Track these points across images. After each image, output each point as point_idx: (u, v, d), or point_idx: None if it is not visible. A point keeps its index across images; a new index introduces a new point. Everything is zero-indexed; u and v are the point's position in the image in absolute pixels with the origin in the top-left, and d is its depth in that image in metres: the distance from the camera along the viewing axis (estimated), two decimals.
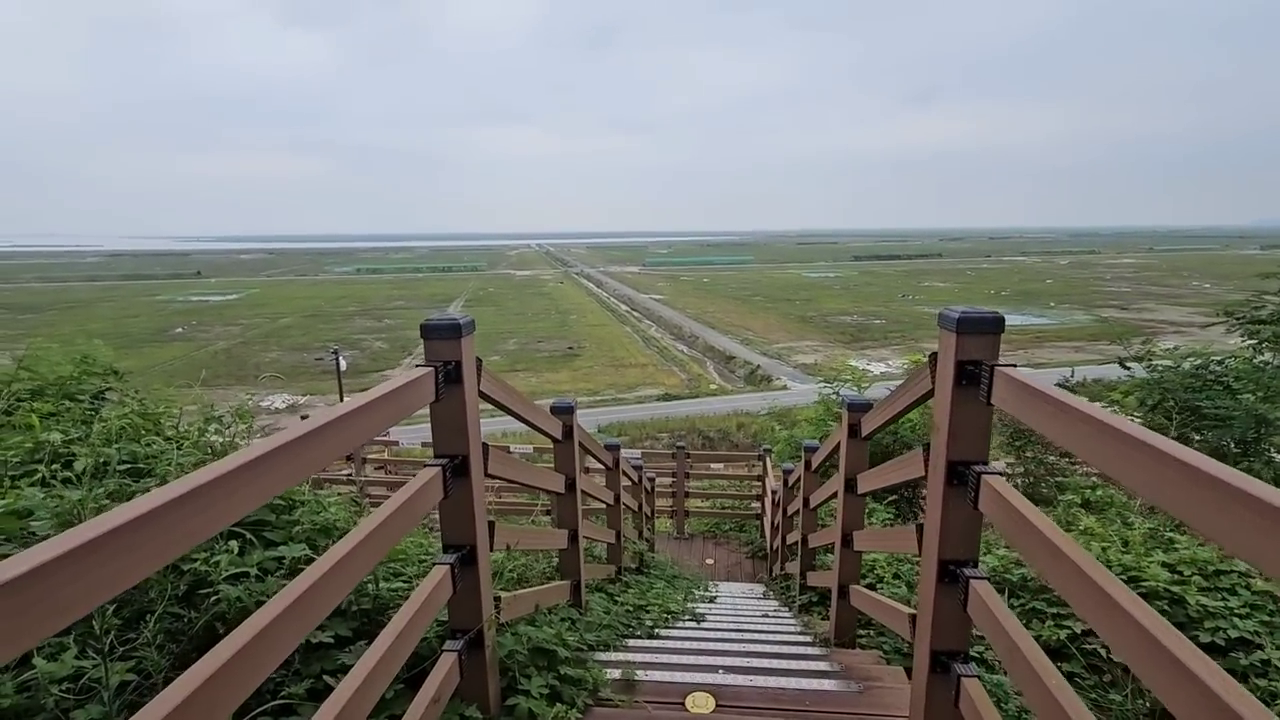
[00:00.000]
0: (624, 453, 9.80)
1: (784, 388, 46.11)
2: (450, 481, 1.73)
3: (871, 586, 3.50)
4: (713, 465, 11.52)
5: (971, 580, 1.56)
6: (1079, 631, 2.61)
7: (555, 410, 2.98)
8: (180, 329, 69.48)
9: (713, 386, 47.90)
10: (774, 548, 6.57)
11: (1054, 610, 2.76)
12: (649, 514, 6.72)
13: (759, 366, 51.79)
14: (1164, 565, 2.90)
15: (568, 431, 2.98)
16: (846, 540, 2.98)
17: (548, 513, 6.17)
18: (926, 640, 1.72)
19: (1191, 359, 6.31)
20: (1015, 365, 1.44)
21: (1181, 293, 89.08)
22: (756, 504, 8.65)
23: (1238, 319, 7.23)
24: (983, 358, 1.55)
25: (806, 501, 4.28)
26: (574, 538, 3.11)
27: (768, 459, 8.28)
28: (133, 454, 2.57)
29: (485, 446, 1.96)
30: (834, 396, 9.23)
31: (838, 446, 3.16)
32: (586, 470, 7.80)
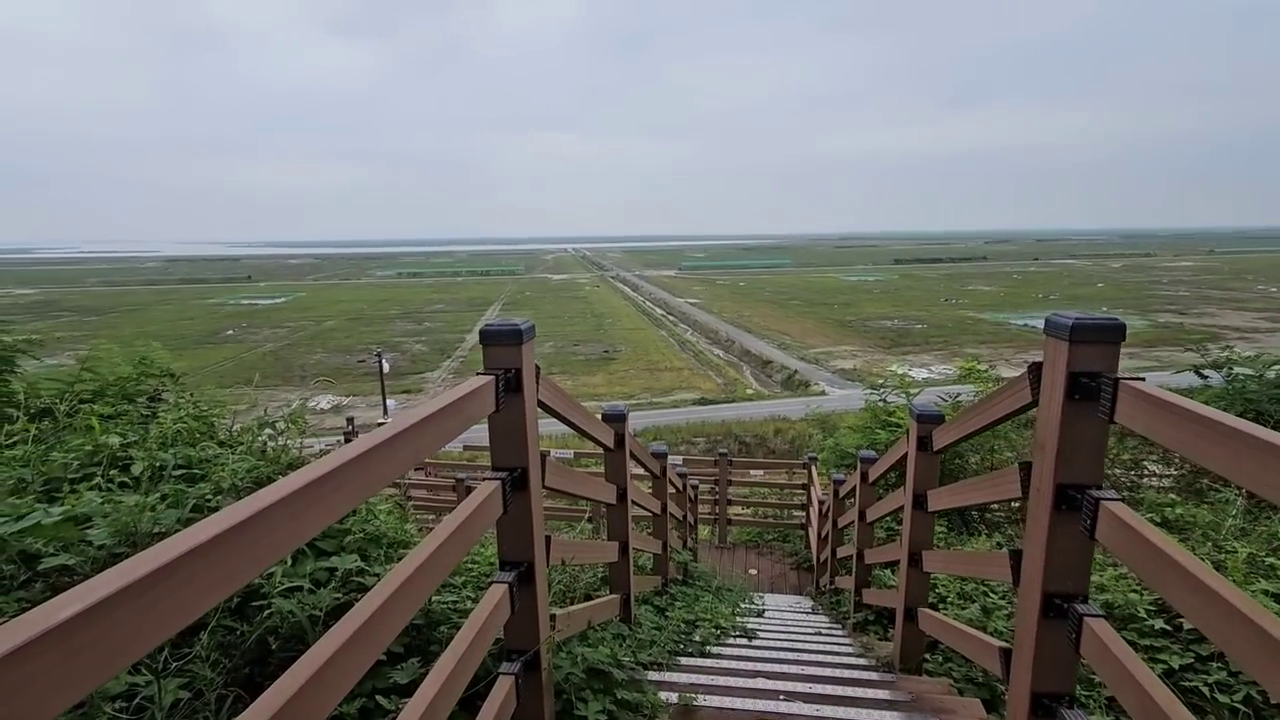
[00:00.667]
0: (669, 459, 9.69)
1: (822, 393, 45.36)
2: (510, 496, 1.64)
3: (933, 606, 3.31)
4: (753, 473, 11.31)
5: (1086, 618, 1.40)
6: (1177, 667, 2.40)
7: (608, 418, 2.88)
8: (231, 331, 71.93)
9: (749, 391, 47.40)
10: (821, 560, 6.37)
11: (1146, 642, 2.54)
12: (692, 523, 6.59)
13: (796, 371, 51.06)
14: (1269, 595, 2.65)
15: (619, 440, 2.88)
16: (914, 560, 2.80)
17: (590, 520, 6.08)
18: (1026, 680, 1.56)
19: (1278, 367, 5.88)
20: (1142, 378, 1.28)
21: (1245, 296, 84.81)
22: (800, 513, 8.43)
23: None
24: (1101, 369, 1.39)
25: (862, 515, 4.09)
26: (624, 550, 3.01)
27: (813, 468, 8.07)
28: (187, 458, 2.57)
29: (544, 457, 1.87)
30: (881, 404, 8.96)
31: (903, 459, 2.99)
32: (633, 478, 7.73)
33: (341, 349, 60.38)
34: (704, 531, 8.70)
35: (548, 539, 1.93)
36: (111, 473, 2.34)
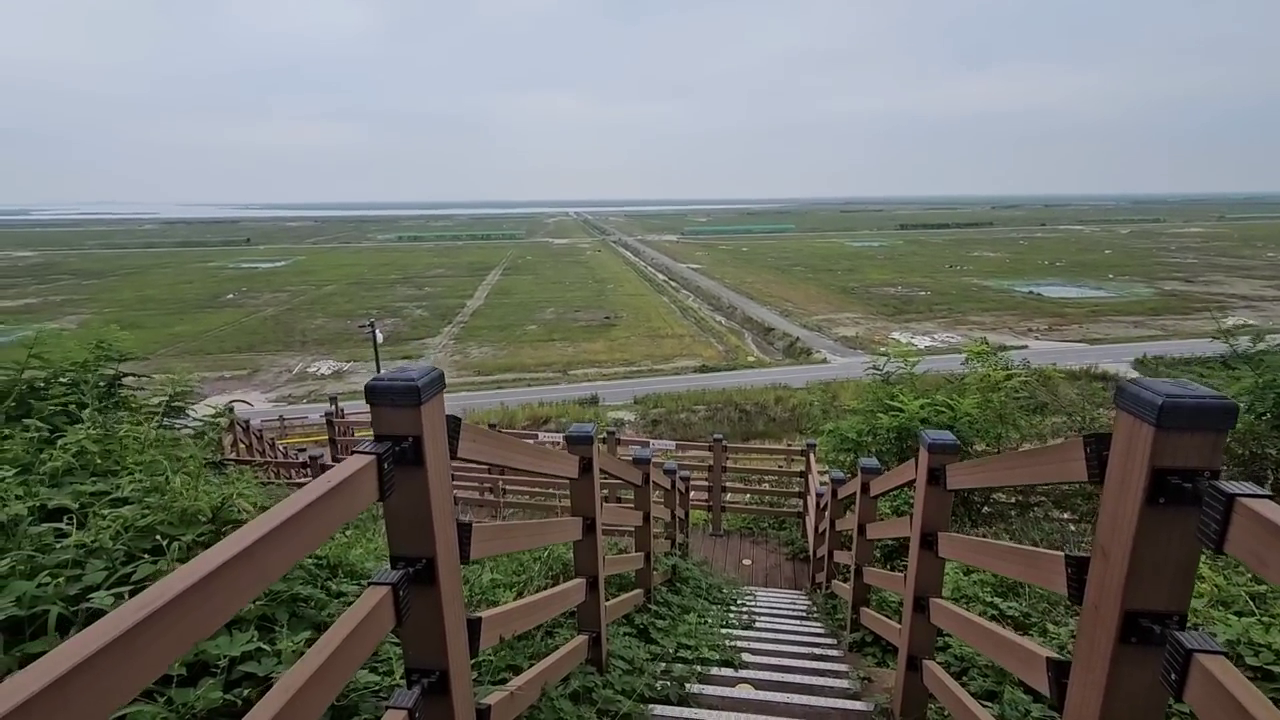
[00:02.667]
0: (655, 444, 9.34)
1: (824, 361, 44.95)
2: (406, 600, 1.28)
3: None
4: (753, 455, 10.98)
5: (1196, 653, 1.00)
6: None
7: (572, 441, 2.50)
8: (231, 295, 71.39)
9: (751, 359, 47.01)
10: (818, 555, 6.08)
11: None
12: (683, 517, 6.29)
13: (798, 339, 50.58)
14: None
15: (586, 466, 2.51)
16: (920, 605, 2.46)
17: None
18: None
19: None
20: (1270, 496, 0.89)
21: (1254, 264, 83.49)
22: (797, 500, 8.13)
23: None
24: (1198, 465, 1.00)
25: (862, 528, 3.75)
26: (593, 585, 2.67)
27: (811, 455, 7.73)
28: (77, 494, 2.21)
29: (465, 530, 1.49)
30: (883, 383, 8.60)
31: (909, 485, 2.62)
32: (612, 499, 7.27)
33: (342, 314, 59.88)
34: (698, 515, 8.42)
35: (475, 625, 1.57)
36: None
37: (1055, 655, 1.38)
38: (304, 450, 16.86)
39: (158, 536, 1.84)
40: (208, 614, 0.75)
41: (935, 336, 50.15)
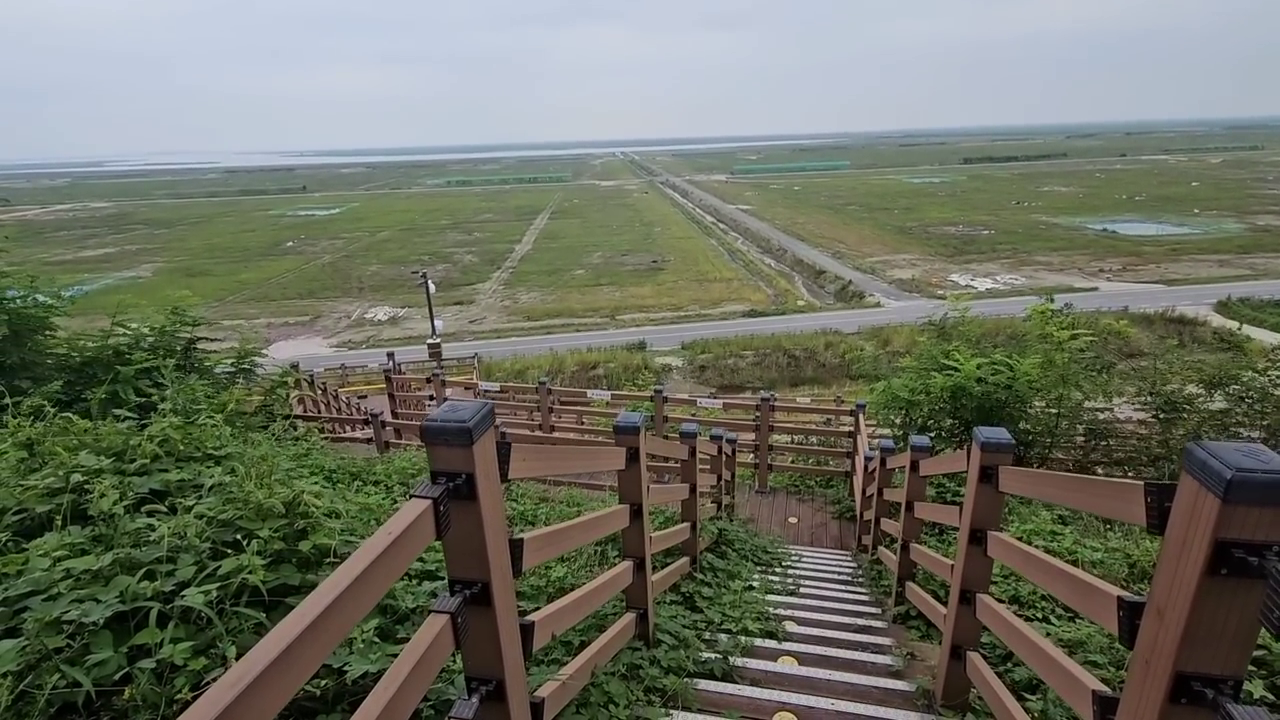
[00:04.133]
0: (702, 402, 9.37)
1: (877, 305, 43.73)
2: (465, 621, 1.36)
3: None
4: (797, 406, 10.91)
5: None
6: None
7: (620, 431, 2.55)
8: (290, 243, 73.63)
9: (800, 303, 46.14)
10: (864, 518, 6.09)
11: None
12: (729, 479, 6.36)
13: (851, 282, 49.21)
14: None
15: (633, 456, 2.56)
16: (966, 598, 2.46)
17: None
18: None
19: None
20: None
21: None
22: (845, 460, 8.10)
23: None
24: (1266, 539, 0.96)
25: (910, 505, 3.74)
26: (640, 566, 2.76)
27: (860, 416, 7.64)
28: (165, 482, 2.39)
29: (518, 546, 1.56)
30: (939, 339, 8.37)
31: (959, 476, 2.58)
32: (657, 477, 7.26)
33: (395, 260, 61.21)
34: (745, 472, 8.49)
35: (529, 627, 1.66)
36: (80, 499, 2.18)
37: (1104, 690, 1.38)
38: (364, 397, 17.63)
39: (238, 533, 2.00)
40: (281, 690, 0.83)
41: (998, 279, 47.97)
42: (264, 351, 7.25)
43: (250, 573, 1.81)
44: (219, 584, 1.79)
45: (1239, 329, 31.52)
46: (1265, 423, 6.66)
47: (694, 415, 9.48)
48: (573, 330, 41.22)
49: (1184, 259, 50.76)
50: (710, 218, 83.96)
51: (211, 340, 6.96)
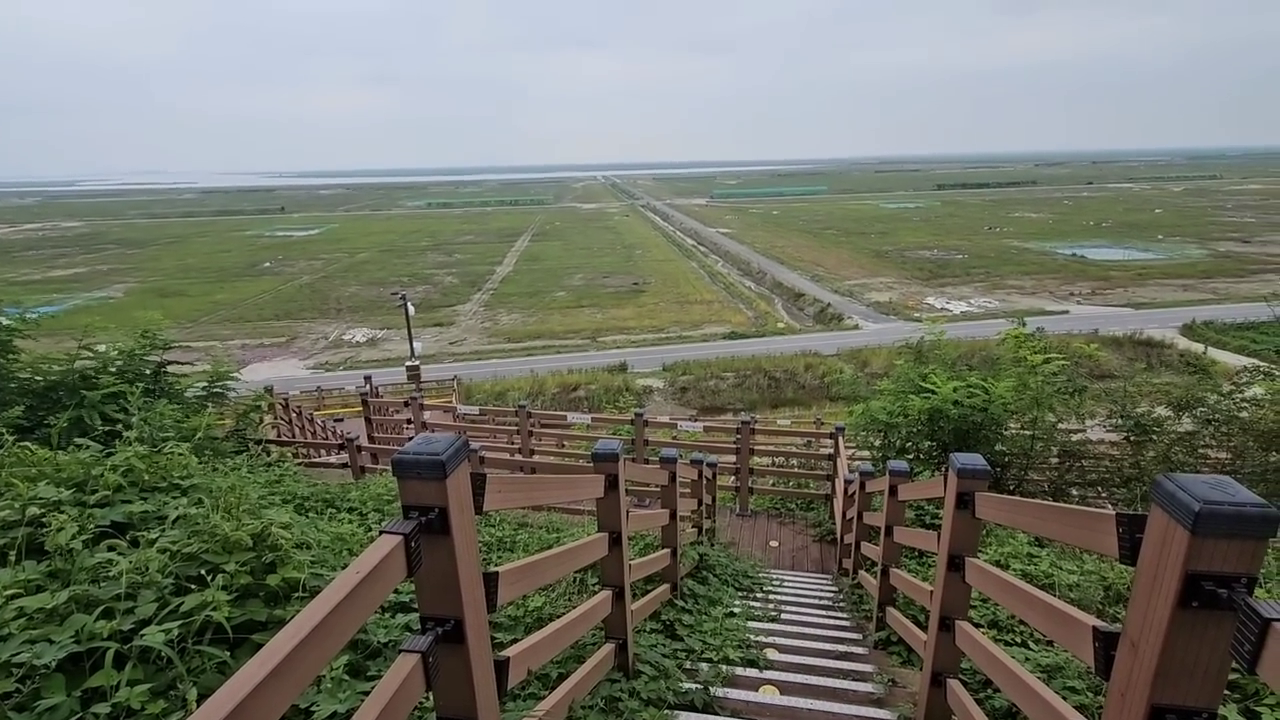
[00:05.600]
0: (683, 425, 9.35)
1: (855, 327, 44.25)
2: (437, 659, 1.32)
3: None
4: (779, 426, 10.93)
5: None
6: None
7: (598, 459, 2.53)
8: (268, 263, 72.82)
9: (780, 325, 46.53)
10: (845, 541, 6.09)
11: None
12: (710, 503, 6.33)
13: (829, 305, 49.80)
14: None
15: (612, 483, 2.54)
16: (946, 624, 2.46)
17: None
18: None
19: None
20: None
21: None
22: (825, 482, 8.11)
23: None
24: (1235, 570, 0.97)
25: (889, 530, 3.74)
26: (620, 595, 2.72)
27: (840, 438, 7.68)
28: (127, 514, 2.32)
29: (492, 580, 1.53)
30: (916, 362, 8.48)
31: (938, 500, 2.59)
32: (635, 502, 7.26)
33: (375, 281, 60.73)
34: (725, 496, 8.47)
35: (503, 664, 1.62)
36: (37, 530, 2.10)
37: None
38: (340, 420, 17.34)
39: (203, 567, 1.93)
40: None
41: (972, 301, 48.87)
42: (237, 374, 7.12)
43: (215, 609, 1.75)
44: (181, 621, 1.73)
45: (1204, 352, 32.36)
46: (1231, 444, 6.82)
47: (675, 438, 9.47)
48: (554, 352, 41.09)
49: (1150, 283, 52.21)
50: (691, 241, 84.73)
51: (183, 363, 6.81)
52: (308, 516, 3.75)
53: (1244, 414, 6.36)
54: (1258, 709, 2.25)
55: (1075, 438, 7.73)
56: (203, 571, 1.93)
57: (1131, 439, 6.61)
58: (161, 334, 6.42)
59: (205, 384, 6.65)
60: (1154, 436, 6.40)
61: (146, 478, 2.56)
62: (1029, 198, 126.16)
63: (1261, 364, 7.60)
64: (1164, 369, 30.17)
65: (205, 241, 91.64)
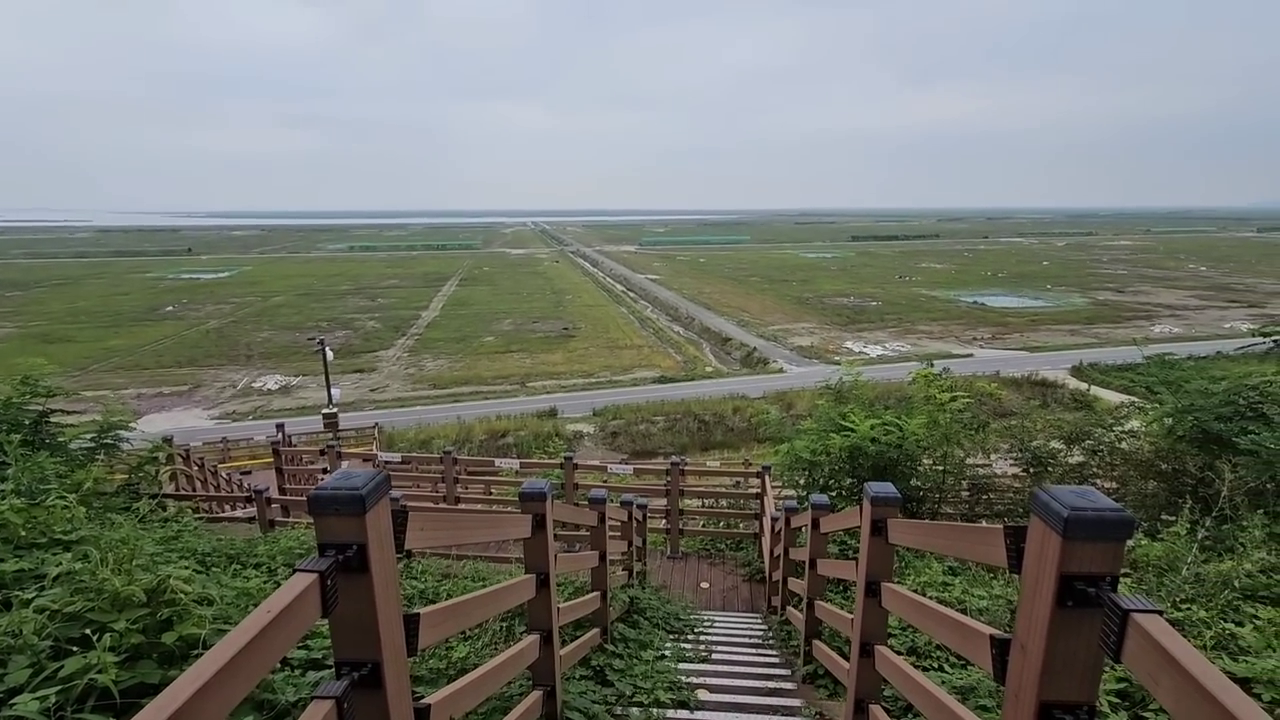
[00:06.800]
0: (613, 468, 9.33)
1: (780, 371, 45.68)
2: (352, 705, 1.27)
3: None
4: (707, 470, 11.09)
5: None
6: None
7: (526, 498, 2.51)
8: (171, 307, 68.50)
9: (709, 369, 47.44)
10: (773, 578, 6.17)
11: None
12: (640, 545, 6.31)
13: (755, 349, 51.31)
14: None
15: (539, 523, 2.51)
16: (866, 650, 2.54)
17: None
18: None
19: (1225, 382, 5.83)
20: (1160, 612, 0.97)
21: (1177, 275, 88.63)
22: (754, 521, 8.24)
23: (1276, 339, 6.70)
24: (1101, 570, 1.08)
25: (813, 563, 3.84)
26: (548, 639, 2.66)
27: (766, 477, 7.86)
28: None
29: (413, 622, 1.49)
30: (836, 402, 8.84)
31: (854, 531, 2.71)
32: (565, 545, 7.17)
33: (290, 326, 58.07)
34: (656, 538, 8.45)
35: (424, 711, 1.56)
36: None
37: None
38: (248, 473, 16.26)
39: (88, 627, 1.77)
40: None
41: (887, 345, 51.56)
42: (131, 424, 6.62)
43: (100, 671, 1.61)
44: (60, 687, 1.58)
45: (1088, 391, 35.25)
46: (1116, 473, 7.43)
47: (605, 481, 9.41)
48: (481, 398, 40.22)
49: (1041, 328, 56.71)
50: (620, 286, 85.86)
51: (69, 412, 6.29)
52: (209, 573, 3.49)
53: (1124, 445, 6.96)
54: (1144, 715, 2.43)
55: (982, 471, 8.22)
56: (88, 632, 1.77)
57: (1030, 470, 7.08)
58: (44, 381, 5.92)
59: (94, 435, 6.16)
60: (1049, 468, 6.89)
61: (23, 533, 2.34)
62: (933, 249, 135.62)
63: (1136, 400, 8.36)
64: (1057, 406, 32.57)
65: (100, 283, 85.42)
